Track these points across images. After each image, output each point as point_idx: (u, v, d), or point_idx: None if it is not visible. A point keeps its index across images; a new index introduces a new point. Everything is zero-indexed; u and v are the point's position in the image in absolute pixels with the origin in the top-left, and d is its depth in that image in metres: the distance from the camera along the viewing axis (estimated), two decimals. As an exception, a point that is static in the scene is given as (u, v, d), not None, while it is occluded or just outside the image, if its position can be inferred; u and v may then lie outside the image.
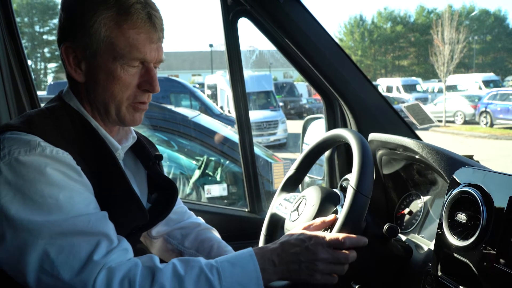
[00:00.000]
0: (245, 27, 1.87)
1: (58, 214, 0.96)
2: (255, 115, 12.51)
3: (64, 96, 1.16)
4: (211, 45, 33.87)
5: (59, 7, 1.13)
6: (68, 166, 1.02)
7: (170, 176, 3.98)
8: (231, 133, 4.15)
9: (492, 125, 17.49)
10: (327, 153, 1.93)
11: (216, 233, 1.56)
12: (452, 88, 25.62)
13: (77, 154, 1.06)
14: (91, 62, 1.09)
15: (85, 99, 1.14)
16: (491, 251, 0.96)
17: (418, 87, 28.39)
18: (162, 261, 1.55)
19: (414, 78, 32.71)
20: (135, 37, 1.08)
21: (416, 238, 1.41)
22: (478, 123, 18.24)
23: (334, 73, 1.73)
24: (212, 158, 3.90)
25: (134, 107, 1.14)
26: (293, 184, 1.52)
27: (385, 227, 1.20)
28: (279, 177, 2.51)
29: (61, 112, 1.12)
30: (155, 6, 1.13)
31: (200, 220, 1.59)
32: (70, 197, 0.99)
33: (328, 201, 1.26)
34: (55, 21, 42.42)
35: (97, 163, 1.10)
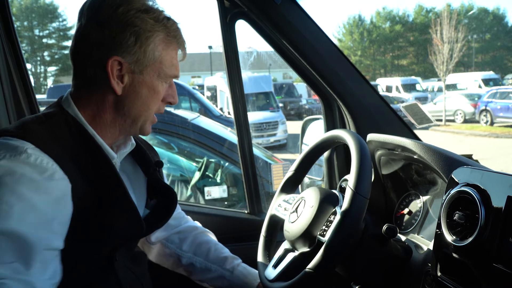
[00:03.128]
0: (244, 28, 1.87)
1: (1, 220, 0.93)
2: (255, 116, 12.51)
3: (63, 103, 1.16)
4: (210, 47, 33.86)
5: (95, 19, 1.11)
6: (46, 179, 1.00)
7: (171, 178, 3.98)
8: (231, 134, 4.15)
9: (492, 123, 17.48)
10: (326, 154, 1.93)
11: (212, 236, 1.59)
12: (451, 87, 25.60)
13: (71, 162, 1.05)
14: (137, 77, 1.14)
15: (110, 111, 1.15)
16: (490, 251, 0.96)
17: (417, 87, 28.40)
18: (159, 266, 1.57)
19: (413, 77, 32.72)
20: (175, 56, 1.19)
21: (415, 238, 1.41)
22: (478, 122, 18.22)
23: (332, 74, 1.73)
24: (212, 160, 3.90)
25: (153, 119, 1.21)
26: (292, 185, 1.53)
27: (384, 227, 1.21)
28: (279, 178, 2.51)
29: (58, 119, 1.12)
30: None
31: (197, 224, 1.61)
32: (23, 213, 0.95)
33: (327, 202, 1.26)
34: (55, 24, 42.53)
35: (94, 171, 1.09)
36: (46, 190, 0.99)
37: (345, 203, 1.14)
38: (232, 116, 2.05)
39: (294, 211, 1.33)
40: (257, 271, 1.47)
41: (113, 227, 1.11)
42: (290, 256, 1.28)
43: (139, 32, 1.11)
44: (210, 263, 1.53)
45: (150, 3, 1.15)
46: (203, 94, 14.02)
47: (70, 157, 1.06)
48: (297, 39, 1.70)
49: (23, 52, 1.92)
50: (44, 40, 42.56)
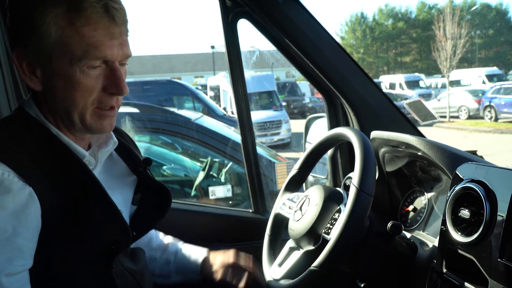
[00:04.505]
0: (246, 28, 1.87)
1: None
2: (258, 115, 12.52)
3: (25, 105, 1.06)
4: (212, 47, 33.93)
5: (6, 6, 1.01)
6: (2, 192, 0.91)
7: (175, 179, 4.00)
8: (235, 134, 4.16)
9: (496, 119, 17.41)
10: (330, 152, 1.93)
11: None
12: (455, 83, 25.51)
13: (35, 168, 0.97)
14: (46, 68, 0.98)
15: (45, 108, 1.04)
16: (495, 247, 0.96)
17: (421, 83, 28.31)
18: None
19: (417, 74, 32.67)
20: (92, 34, 0.95)
21: (420, 235, 1.41)
22: (482, 118, 18.16)
23: (334, 72, 1.73)
24: (216, 160, 3.91)
25: (100, 114, 1.04)
26: (296, 184, 1.53)
27: (389, 225, 1.21)
28: (283, 177, 2.51)
29: (18, 122, 1.02)
30: None
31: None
32: None
33: (331, 200, 1.26)
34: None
35: (63, 174, 1.00)
36: (2, 205, 0.91)
37: (350, 201, 1.14)
38: (235, 115, 2.05)
39: (299, 209, 1.33)
40: (202, 248, 1.50)
41: (94, 232, 1.03)
42: (295, 255, 1.28)
43: (30, 12, 0.95)
44: (153, 252, 1.48)
45: None
46: (206, 94, 14.04)
47: (33, 163, 0.97)
48: (299, 38, 1.70)
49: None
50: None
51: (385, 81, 29.27)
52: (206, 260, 1.50)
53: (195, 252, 1.51)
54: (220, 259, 1.50)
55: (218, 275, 1.47)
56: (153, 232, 1.53)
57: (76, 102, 1.00)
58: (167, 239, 1.55)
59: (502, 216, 0.97)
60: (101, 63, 1.00)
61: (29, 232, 0.94)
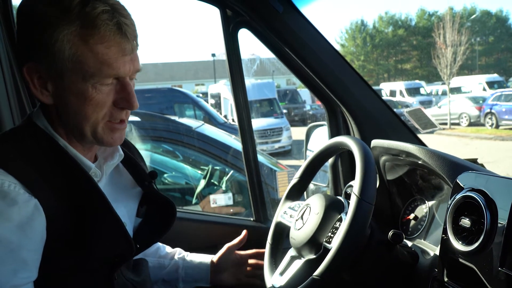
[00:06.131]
0: (246, 35, 1.88)
1: None
2: (259, 123, 12.53)
3: (33, 115, 1.07)
4: (213, 55, 34.00)
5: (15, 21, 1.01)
6: (8, 204, 0.91)
7: (176, 187, 3.99)
8: (235, 141, 4.16)
9: (497, 126, 17.41)
10: (330, 160, 1.93)
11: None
12: (456, 90, 25.54)
13: (41, 180, 0.97)
14: (58, 83, 0.99)
15: (55, 120, 1.05)
16: (496, 255, 0.96)
17: (421, 90, 28.35)
18: None
19: (417, 81, 32.74)
20: (105, 51, 0.96)
21: (422, 243, 1.41)
22: (483, 125, 18.16)
23: (334, 81, 1.74)
24: (217, 168, 3.91)
25: (111, 127, 1.05)
26: (297, 192, 1.53)
27: (390, 233, 1.20)
28: (284, 185, 2.51)
29: (26, 133, 1.03)
30: (125, 11, 1.01)
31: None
32: None
33: (332, 209, 1.26)
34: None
35: (69, 186, 1.00)
36: (8, 217, 0.91)
37: (351, 210, 1.14)
38: (236, 123, 2.05)
39: (300, 218, 1.33)
40: (207, 255, 1.53)
41: (97, 244, 1.03)
42: (296, 263, 1.28)
43: (42, 29, 0.95)
44: (162, 259, 1.50)
45: None
46: (207, 102, 14.06)
47: (40, 174, 0.97)
48: (299, 47, 1.71)
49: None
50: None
51: (385, 88, 29.32)
52: (214, 264, 1.52)
53: (203, 258, 1.54)
54: (230, 261, 1.54)
55: (229, 277, 1.52)
56: (159, 243, 1.55)
57: (88, 116, 1.01)
58: (174, 249, 1.57)
59: (503, 225, 0.97)
60: (112, 79, 1.01)
61: (34, 244, 0.95)
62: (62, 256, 1.00)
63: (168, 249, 1.56)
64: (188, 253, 1.55)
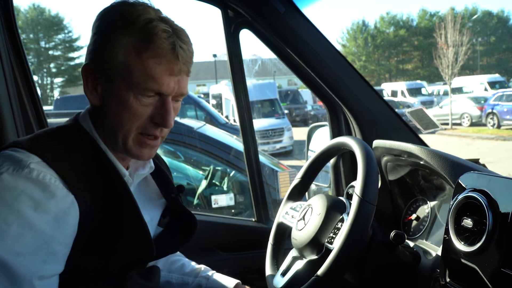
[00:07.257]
0: (248, 35, 1.88)
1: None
2: (260, 123, 12.53)
3: (80, 117, 1.13)
4: (214, 55, 33.99)
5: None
6: (47, 197, 0.95)
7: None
8: (237, 142, 4.16)
9: (499, 126, 17.40)
10: (332, 161, 1.93)
11: (181, 255, 1.58)
12: (457, 90, 25.50)
13: (80, 178, 1.02)
14: (107, 87, 1.05)
15: (99, 123, 1.11)
16: (498, 256, 0.96)
17: (423, 91, 28.35)
18: None
19: (419, 81, 32.71)
20: (154, 66, 1.01)
21: (424, 244, 1.41)
22: (485, 125, 18.15)
23: (336, 81, 1.74)
24: (219, 168, 3.91)
25: (141, 141, 1.09)
26: (299, 193, 1.53)
27: (392, 234, 1.20)
28: (285, 186, 2.51)
29: (71, 133, 1.09)
30: (185, 37, 1.08)
31: None
32: (22, 234, 0.92)
33: (334, 209, 1.26)
34: (60, 36, 42.93)
35: (104, 188, 1.05)
36: (46, 209, 0.95)
37: (352, 210, 1.14)
38: (237, 123, 2.06)
39: (302, 218, 1.33)
40: (232, 279, 1.48)
41: (122, 246, 1.06)
42: (298, 264, 1.28)
43: (105, 36, 1.03)
44: (186, 276, 1.51)
45: (140, 2, 1.05)
46: (209, 102, 14.06)
47: (80, 173, 1.02)
48: (301, 47, 1.71)
49: (29, 64, 1.94)
50: (50, 52, 42.98)
51: (387, 88, 29.31)
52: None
53: (226, 280, 1.52)
54: None
55: None
56: (184, 259, 1.56)
57: (123, 123, 1.06)
58: (197, 265, 1.56)
59: (505, 225, 0.97)
60: (155, 94, 1.05)
61: (65, 238, 0.99)
62: (85, 254, 1.03)
63: (193, 265, 1.55)
64: (213, 272, 1.54)
